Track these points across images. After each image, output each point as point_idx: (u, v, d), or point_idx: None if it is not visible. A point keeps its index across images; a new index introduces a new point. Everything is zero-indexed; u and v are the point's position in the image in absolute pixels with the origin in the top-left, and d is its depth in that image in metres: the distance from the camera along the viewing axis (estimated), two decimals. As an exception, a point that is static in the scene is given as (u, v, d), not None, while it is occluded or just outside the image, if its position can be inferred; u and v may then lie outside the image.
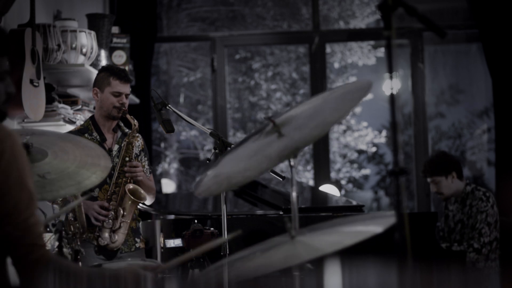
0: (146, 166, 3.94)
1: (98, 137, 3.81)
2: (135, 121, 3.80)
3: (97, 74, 3.89)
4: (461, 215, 4.70)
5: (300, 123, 2.06)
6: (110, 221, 3.68)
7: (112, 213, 3.69)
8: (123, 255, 3.75)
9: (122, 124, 3.90)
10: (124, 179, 3.75)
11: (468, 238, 4.61)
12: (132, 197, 3.68)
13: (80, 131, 3.84)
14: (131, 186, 3.72)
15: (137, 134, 3.88)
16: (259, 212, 4.81)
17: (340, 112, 1.99)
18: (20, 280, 1.86)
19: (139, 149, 3.91)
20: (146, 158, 3.96)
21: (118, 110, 3.78)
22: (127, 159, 3.78)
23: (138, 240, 3.86)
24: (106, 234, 3.67)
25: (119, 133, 3.88)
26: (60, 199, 3.55)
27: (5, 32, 1.94)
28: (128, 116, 3.77)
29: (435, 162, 4.75)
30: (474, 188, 4.68)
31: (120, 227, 3.69)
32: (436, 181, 4.72)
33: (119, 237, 3.69)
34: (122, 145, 3.81)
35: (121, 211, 3.69)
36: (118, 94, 3.79)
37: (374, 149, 10.31)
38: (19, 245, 1.82)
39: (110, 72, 3.83)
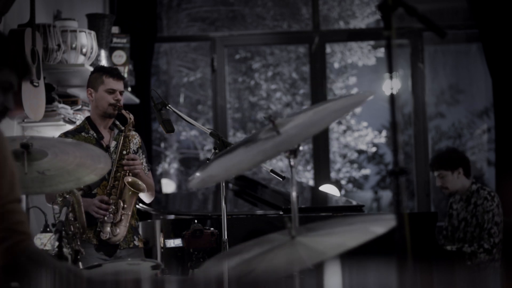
0: (144, 164, 3.97)
1: (95, 134, 3.85)
2: (131, 115, 3.85)
3: (90, 75, 3.95)
4: (465, 213, 4.71)
5: (298, 123, 2.07)
6: (111, 215, 3.70)
7: (113, 207, 3.71)
8: (122, 252, 3.76)
9: (118, 123, 3.94)
10: (122, 172, 3.78)
11: (474, 238, 4.61)
12: (131, 189, 3.70)
13: (76, 131, 3.88)
14: (129, 179, 3.75)
15: (134, 133, 3.92)
16: (259, 212, 4.82)
17: (338, 113, 2.00)
18: None
19: (137, 146, 3.95)
20: (144, 156, 3.99)
21: (114, 108, 3.82)
22: (124, 152, 3.81)
23: (136, 238, 3.87)
24: (108, 229, 3.69)
25: (116, 131, 3.93)
26: (60, 199, 3.56)
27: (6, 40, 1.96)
28: (123, 111, 3.82)
29: (444, 157, 4.80)
30: (479, 187, 4.70)
31: (121, 219, 3.71)
32: (442, 175, 4.74)
33: (121, 230, 3.71)
34: (119, 139, 3.84)
35: (121, 204, 3.71)
36: (112, 91, 3.83)
37: (374, 149, 10.31)
38: None
39: (102, 71, 3.90)
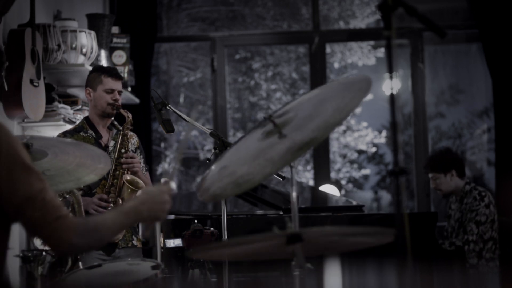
0: (142, 164, 3.98)
1: (93, 134, 3.87)
2: (129, 113, 3.87)
3: (88, 75, 3.97)
4: (459, 213, 4.73)
5: (300, 124, 2.05)
6: (110, 213, 3.70)
7: (112, 205, 3.71)
8: (120, 251, 3.77)
9: (116, 123, 3.95)
10: (121, 170, 3.79)
11: (454, 237, 4.65)
12: (130, 186, 3.71)
13: (75, 130, 3.90)
14: (128, 177, 3.76)
15: (132, 133, 3.93)
16: (259, 212, 4.81)
17: (341, 114, 1.99)
18: (57, 255, 1.85)
19: (135, 147, 3.98)
20: (141, 156, 4.02)
21: (112, 107, 3.84)
22: (122, 150, 3.84)
23: (135, 238, 3.88)
24: None
25: (114, 131, 3.94)
26: (60, 199, 3.56)
27: None
28: (121, 110, 3.84)
29: (436, 159, 4.80)
30: (472, 187, 4.70)
31: None
32: (435, 177, 4.76)
33: None
34: (117, 137, 3.86)
35: (120, 202, 3.72)
36: (110, 91, 3.86)
37: (374, 149, 10.31)
38: (43, 224, 1.81)
39: (101, 71, 3.93)
